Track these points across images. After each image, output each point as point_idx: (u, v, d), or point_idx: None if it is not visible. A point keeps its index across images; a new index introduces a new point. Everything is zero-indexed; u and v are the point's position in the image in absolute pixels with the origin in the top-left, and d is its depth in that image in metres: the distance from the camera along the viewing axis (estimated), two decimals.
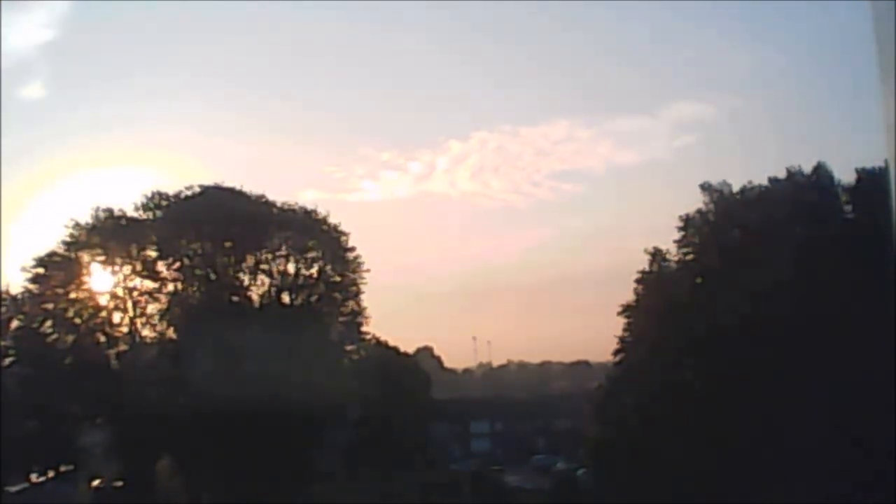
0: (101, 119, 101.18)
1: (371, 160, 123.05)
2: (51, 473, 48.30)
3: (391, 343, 58.69)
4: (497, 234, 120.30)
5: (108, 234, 48.66)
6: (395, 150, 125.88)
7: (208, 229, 48.49)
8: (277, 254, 50.22)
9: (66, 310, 47.67)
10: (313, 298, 50.77)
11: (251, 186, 51.17)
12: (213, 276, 49.08)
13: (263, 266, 49.81)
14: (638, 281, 46.95)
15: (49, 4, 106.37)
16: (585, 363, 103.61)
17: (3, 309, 48.49)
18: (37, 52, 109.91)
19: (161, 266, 48.61)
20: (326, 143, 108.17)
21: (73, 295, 48.02)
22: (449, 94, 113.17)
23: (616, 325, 47.20)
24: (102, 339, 48.08)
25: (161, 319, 48.63)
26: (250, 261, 49.58)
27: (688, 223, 46.16)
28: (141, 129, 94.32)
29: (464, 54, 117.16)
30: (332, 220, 51.67)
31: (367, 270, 51.25)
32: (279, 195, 51.98)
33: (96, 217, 49.27)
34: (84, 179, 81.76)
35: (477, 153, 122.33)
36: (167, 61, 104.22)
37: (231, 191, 50.67)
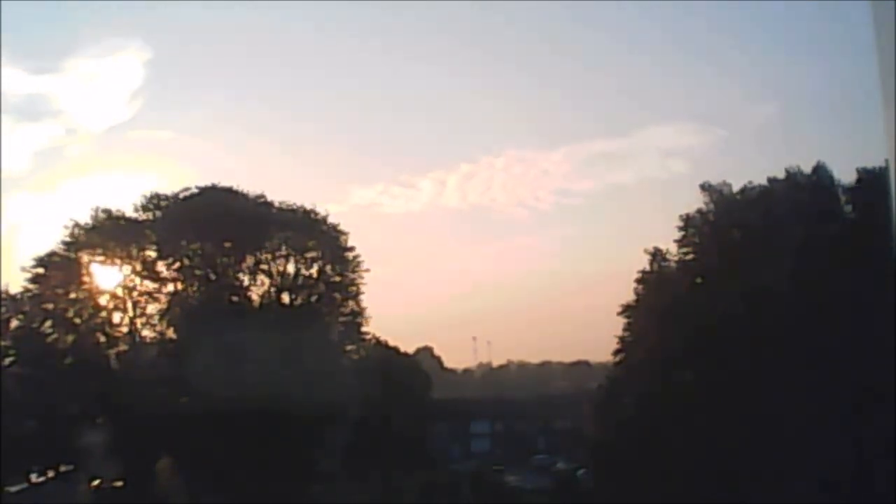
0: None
1: (387, 179, 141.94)
2: (51, 473, 48.24)
3: (391, 343, 58.73)
4: (500, 239, 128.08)
5: (108, 234, 48.65)
6: (409, 171, 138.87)
7: (208, 229, 48.45)
8: (277, 254, 50.21)
9: (66, 310, 47.65)
10: (313, 298, 50.76)
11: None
12: (212, 276, 49.07)
13: (263, 266, 49.80)
14: (638, 281, 46.93)
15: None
16: (585, 363, 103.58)
17: (3, 309, 48.46)
18: None
19: (161, 266, 48.61)
20: (348, 164, 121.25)
21: (73, 295, 48.00)
22: (456, 125, 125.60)
23: (616, 325, 47.25)
24: (102, 339, 48.06)
25: (161, 319, 48.62)
26: (250, 261, 49.57)
27: (688, 223, 46.14)
28: (152, 136, 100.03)
29: (468, 88, 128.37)
30: (333, 220, 51.82)
31: (367, 270, 51.34)
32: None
33: (96, 217, 49.28)
34: (88, 179, 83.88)
35: (485, 172, 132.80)
36: (198, 79, 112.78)
37: (230, 191, 50.67)
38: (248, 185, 51.50)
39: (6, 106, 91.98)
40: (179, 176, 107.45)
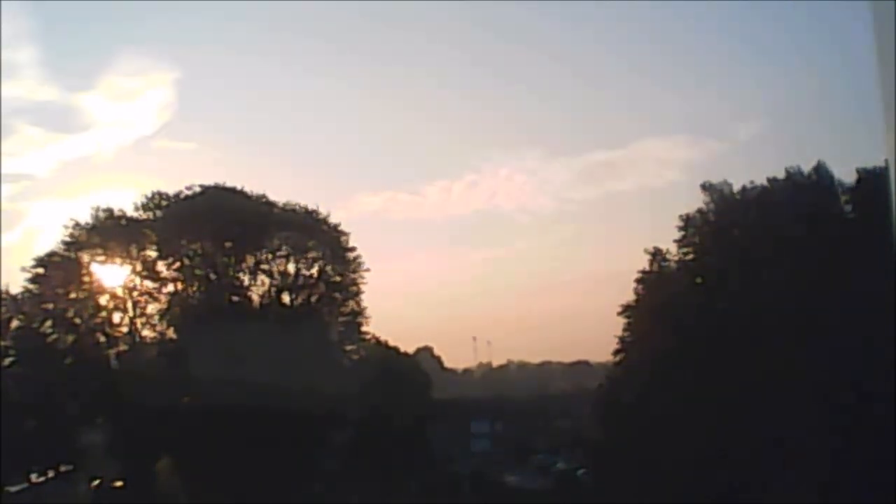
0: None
1: (395, 187, 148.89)
2: (51, 473, 48.24)
3: (391, 343, 58.70)
4: (502, 242, 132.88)
5: (108, 234, 48.65)
6: (416, 180, 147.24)
7: (208, 229, 48.47)
8: (277, 254, 50.22)
9: (66, 310, 47.65)
10: (313, 298, 50.76)
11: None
12: (213, 276, 49.08)
13: (263, 266, 49.81)
14: (638, 281, 46.89)
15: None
16: (585, 363, 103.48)
17: (3, 309, 48.47)
18: None
19: (161, 266, 48.61)
20: (358, 173, 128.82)
21: (73, 295, 48.00)
22: (461, 137, 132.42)
23: (616, 325, 47.21)
24: (102, 339, 48.06)
25: (161, 319, 48.63)
26: (250, 261, 49.57)
27: (688, 223, 46.10)
28: (177, 147, 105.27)
29: (472, 102, 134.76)
30: (334, 221, 51.86)
31: (367, 270, 51.37)
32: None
33: (96, 217, 49.29)
34: (111, 186, 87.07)
35: (488, 181, 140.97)
36: (202, 83, 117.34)
37: (231, 191, 50.69)
38: (259, 191, 51.75)
39: (40, 119, 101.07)
40: (195, 181, 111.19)
